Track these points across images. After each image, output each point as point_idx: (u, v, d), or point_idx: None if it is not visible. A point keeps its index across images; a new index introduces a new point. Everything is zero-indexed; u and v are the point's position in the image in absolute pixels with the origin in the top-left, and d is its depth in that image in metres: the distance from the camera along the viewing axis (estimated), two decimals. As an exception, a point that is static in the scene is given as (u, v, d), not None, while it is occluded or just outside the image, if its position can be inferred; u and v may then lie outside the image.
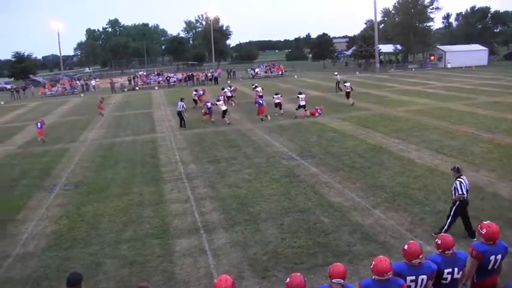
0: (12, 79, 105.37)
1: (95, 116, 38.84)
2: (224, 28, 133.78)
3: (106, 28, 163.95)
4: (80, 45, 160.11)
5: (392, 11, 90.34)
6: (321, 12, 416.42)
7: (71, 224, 14.14)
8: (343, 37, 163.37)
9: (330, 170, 17.84)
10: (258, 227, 12.80)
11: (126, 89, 66.65)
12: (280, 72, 77.17)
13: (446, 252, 6.63)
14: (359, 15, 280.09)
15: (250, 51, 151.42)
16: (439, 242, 6.72)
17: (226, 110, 30.72)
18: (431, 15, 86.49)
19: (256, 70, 78.69)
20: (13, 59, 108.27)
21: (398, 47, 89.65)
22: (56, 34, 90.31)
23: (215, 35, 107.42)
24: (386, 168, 17.55)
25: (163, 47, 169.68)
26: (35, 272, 11.09)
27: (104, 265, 11.21)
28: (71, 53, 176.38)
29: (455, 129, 24.15)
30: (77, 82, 75.80)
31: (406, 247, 6.51)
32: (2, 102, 59.17)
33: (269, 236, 12.13)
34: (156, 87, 65.38)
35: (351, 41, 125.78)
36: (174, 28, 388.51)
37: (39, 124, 28.71)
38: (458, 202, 11.14)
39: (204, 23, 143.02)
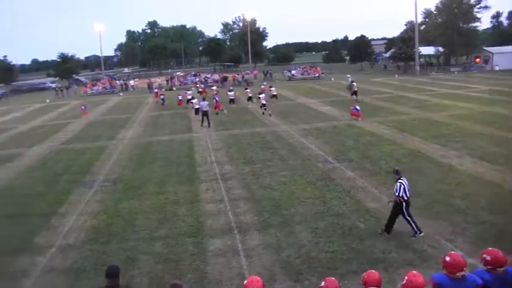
0: (57, 79, 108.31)
1: (133, 115, 39.45)
2: (261, 30, 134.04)
3: (145, 30, 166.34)
4: (120, 46, 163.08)
5: (435, 12, 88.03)
6: (359, 13, 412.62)
7: (109, 219, 14.46)
8: (382, 39, 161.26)
9: (367, 174, 17.59)
10: (292, 229, 12.73)
11: (163, 89, 67.37)
12: (317, 75, 76.64)
13: (498, 269, 5.94)
14: (398, 17, 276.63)
15: (287, 53, 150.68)
16: (488, 258, 6.02)
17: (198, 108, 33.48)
18: (478, 15, 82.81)
19: (293, 72, 78.35)
20: (58, 60, 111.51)
21: (440, 49, 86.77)
22: (98, 36, 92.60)
23: (252, 36, 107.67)
24: (424, 175, 17.12)
25: (200, 48, 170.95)
26: (74, 263, 11.45)
27: (139, 261, 11.40)
28: (112, 53, 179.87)
29: (501, 135, 23.20)
30: (117, 82, 77.27)
31: (448, 258, 5.97)
32: (48, 101, 60.77)
33: (303, 239, 12.05)
34: (193, 88, 65.83)
35: (390, 42, 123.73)
36: (212, 30, 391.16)
37: (83, 107, 41.03)
38: (404, 203, 11.55)
39: (241, 24, 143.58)
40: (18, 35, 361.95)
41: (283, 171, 18.73)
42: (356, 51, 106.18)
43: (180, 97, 44.19)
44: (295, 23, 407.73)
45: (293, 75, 76.61)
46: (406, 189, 11.56)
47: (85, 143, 27.91)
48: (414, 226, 11.69)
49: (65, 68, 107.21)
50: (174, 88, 68.18)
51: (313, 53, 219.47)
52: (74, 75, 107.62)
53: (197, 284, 10.17)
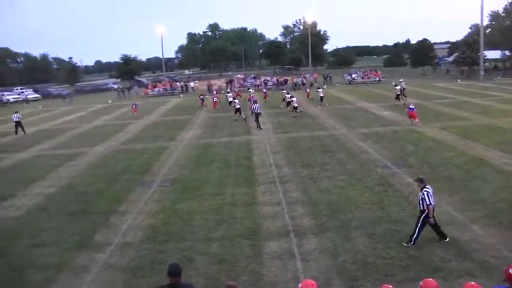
0: (119, 80, 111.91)
1: (193, 116, 40.20)
2: (321, 33, 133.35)
3: (206, 32, 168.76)
4: (181, 49, 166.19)
5: (502, 14, 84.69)
6: (421, 16, 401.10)
7: (166, 219, 14.75)
8: (445, 43, 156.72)
9: (426, 180, 17.10)
10: (349, 234, 12.59)
11: (223, 91, 68.26)
12: (377, 79, 75.43)
13: None
14: (463, 20, 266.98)
15: (347, 57, 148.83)
16: None
17: (239, 108, 36.35)
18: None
19: (353, 76, 77.50)
20: (120, 61, 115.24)
21: (507, 53, 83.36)
22: (160, 38, 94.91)
23: (312, 39, 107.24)
24: (487, 182, 16.50)
25: (260, 50, 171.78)
26: (132, 261, 11.72)
27: (195, 261, 11.55)
28: (173, 55, 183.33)
29: None
30: (177, 83, 78.89)
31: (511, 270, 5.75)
32: (110, 101, 62.96)
33: (359, 244, 11.89)
34: (252, 90, 66.31)
35: (453, 46, 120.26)
36: (272, 32, 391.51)
37: (133, 106, 45.29)
38: (426, 211, 11.32)
39: (301, 27, 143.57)
40: (82, 37, 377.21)
41: (341, 175, 18.56)
42: (418, 55, 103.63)
43: (214, 99, 45.76)
44: (356, 26, 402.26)
45: (353, 78, 75.78)
46: (431, 198, 11.39)
47: (145, 143, 28.66)
48: (416, 235, 11.48)
49: (127, 69, 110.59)
50: (236, 90, 68.96)
51: (374, 56, 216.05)
52: (136, 77, 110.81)
53: (252, 286, 10.21)
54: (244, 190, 17.30)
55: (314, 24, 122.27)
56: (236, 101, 38.11)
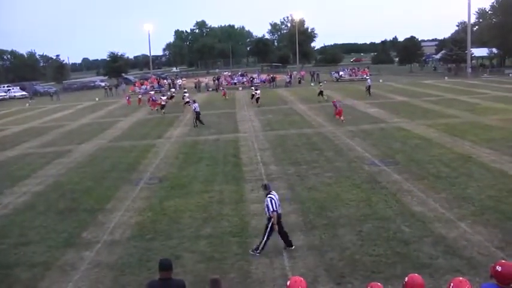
0: (106, 77, 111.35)
1: (181, 114, 40.10)
2: (309, 30, 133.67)
3: (193, 29, 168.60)
4: (168, 46, 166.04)
5: (489, 12, 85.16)
6: (409, 14, 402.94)
7: (154, 216, 14.72)
8: (432, 40, 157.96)
9: (414, 178, 17.23)
10: (336, 232, 12.62)
11: (210, 89, 68.20)
12: (365, 76, 75.63)
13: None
14: (450, 17, 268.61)
15: (334, 54, 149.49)
16: (500, 269, 5.62)
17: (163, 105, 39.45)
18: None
19: (341, 73, 77.75)
20: (108, 59, 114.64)
21: (494, 50, 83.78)
22: (147, 35, 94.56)
23: (300, 37, 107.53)
24: (475, 180, 16.58)
25: (248, 48, 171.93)
26: (120, 258, 11.69)
27: (183, 259, 11.53)
28: (160, 53, 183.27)
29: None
30: (164, 81, 78.63)
31: (500, 268, 5.59)
32: (97, 99, 62.68)
33: (347, 242, 11.93)
34: (240, 88, 66.33)
35: (441, 44, 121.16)
36: (260, 30, 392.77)
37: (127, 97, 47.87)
38: (272, 218, 11.02)
39: (289, 25, 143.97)
40: (70, 35, 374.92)
41: (329, 172, 18.60)
42: (405, 53, 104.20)
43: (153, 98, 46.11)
44: (343, 23, 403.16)
45: (341, 76, 75.99)
46: (276, 204, 11.15)
47: (132, 141, 28.55)
48: (264, 244, 11.25)
49: (115, 66, 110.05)
50: (221, 88, 68.92)
51: (362, 54, 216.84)
52: (123, 74, 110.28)
53: (240, 284, 10.22)
54: (232, 188, 17.29)
55: (302, 22, 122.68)
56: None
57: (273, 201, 11.14)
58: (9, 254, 12.54)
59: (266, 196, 11.38)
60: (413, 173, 17.94)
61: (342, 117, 30.16)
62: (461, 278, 5.69)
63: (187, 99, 42.50)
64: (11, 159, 25.41)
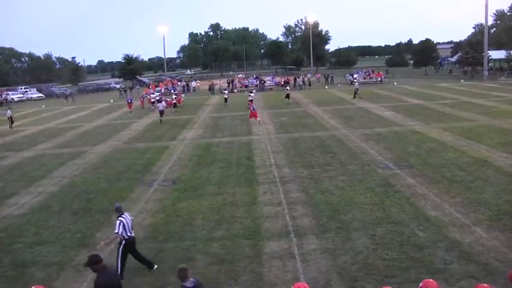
0: (121, 79, 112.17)
1: (194, 116, 40.23)
2: (323, 33, 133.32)
3: (208, 32, 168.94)
4: (182, 48, 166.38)
5: (508, 13, 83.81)
6: (424, 16, 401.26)
7: (167, 218, 14.78)
8: (448, 43, 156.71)
9: (428, 181, 17.09)
10: (349, 235, 12.57)
11: (225, 91, 68.31)
12: (379, 79, 75.25)
13: None
14: (466, 20, 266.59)
15: (349, 57, 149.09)
16: None
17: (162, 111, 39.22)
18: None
19: (355, 76, 77.39)
20: (123, 61, 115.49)
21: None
22: (162, 38, 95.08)
23: (314, 39, 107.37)
24: (491, 184, 16.38)
25: (262, 50, 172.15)
26: (132, 259, 11.62)
27: (195, 260, 11.57)
28: (174, 55, 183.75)
29: None
30: (178, 83, 78.96)
31: None
32: (112, 101, 63.07)
33: (360, 245, 11.87)
34: (254, 90, 66.33)
35: (457, 46, 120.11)
36: (274, 32, 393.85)
37: (129, 99, 48.95)
38: (123, 242, 10.61)
39: (303, 27, 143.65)
40: (85, 37, 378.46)
41: (342, 175, 18.54)
42: (420, 56, 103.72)
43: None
44: (358, 26, 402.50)
45: (355, 79, 75.61)
46: (126, 227, 10.69)
47: (147, 143, 28.69)
48: (120, 268, 10.67)
49: (129, 69, 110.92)
50: (235, 90, 69.06)
51: (376, 57, 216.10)
52: (138, 76, 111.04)
53: (253, 286, 10.22)
54: (245, 190, 17.30)
55: (316, 25, 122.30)
56: (163, 103, 40.99)
57: (121, 224, 10.63)
58: (25, 253, 12.69)
59: (117, 218, 10.77)
60: (427, 176, 17.79)
61: (258, 119, 33.08)
62: (485, 285, 5.62)
63: (156, 99, 48.59)
64: (27, 160, 25.64)
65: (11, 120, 40.91)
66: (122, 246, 10.79)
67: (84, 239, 13.41)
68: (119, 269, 10.71)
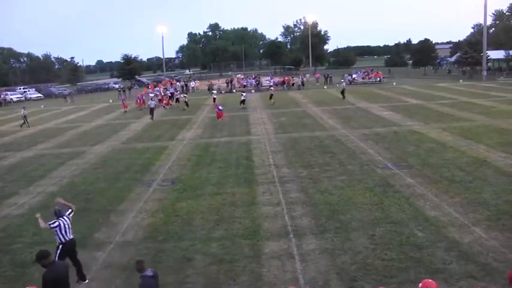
0: (120, 79, 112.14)
1: (193, 116, 40.23)
2: (322, 33, 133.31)
3: (207, 32, 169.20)
4: (181, 48, 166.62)
5: (507, 13, 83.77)
6: (423, 16, 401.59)
7: (166, 218, 14.77)
8: (447, 43, 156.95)
9: (427, 182, 17.10)
10: (348, 235, 12.57)
11: (223, 91, 68.36)
12: (378, 79, 75.30)
13: None
14: (465, 20, 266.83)
15: (347, 57, 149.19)
16: None
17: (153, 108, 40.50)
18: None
19: (354, 76, 77.46)
20: (122, 61, 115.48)
21: (511, 53, 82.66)
22: (160, 38, 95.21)
23: (313, 40, 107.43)
24: (490, 184, 16.38)
25: (261, 50, 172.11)
26: (132, 259, 11.62)
27: (194, 260, 11.58)
28: (173, 55, 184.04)
29: None
30: (177, 83, 78.88)
31: None
32: (111, 101, 63.07)
33: (359, 245, 11.87)
34: (253, 91, 66.35)
35: (456, 47, 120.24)
36: (273, 32, 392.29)
37: (122, 99, 51.76)
38: (60, 246, 10.41)
39: (302, 27, 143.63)
40: (84, 37, 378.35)
41: (341, 175, 18.54)
42: (419, 56, 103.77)
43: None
44: (357, 26, 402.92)
45: (354, 79, 75.68)
46: (64, 230, 10.45)
47: (146, 143, 28.67)
48: None
49: (128, 69, 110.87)
50: (234, 90, 69.08)
51: (375, 57, 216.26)
52: (136, 76, 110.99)
53: (252, 286, 10.21)
54: (244, 190, 17.29)
55: (315, 25, 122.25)
56: (153, 102, 42.48)
57: (58, 226, 10.38)
58: (24, 253, 12.69)
59: (57, 219, 10.48)
60: (426, 176, 17.80)
61: (221, 119, 35.72)
62: (430, 280, 5.70)
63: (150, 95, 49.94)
64: (27, 160, 25.62)
65: (26, 119, 40.58)
66: (59, 251, 10.46)
67: (82, 239, 13.30)
68: None
